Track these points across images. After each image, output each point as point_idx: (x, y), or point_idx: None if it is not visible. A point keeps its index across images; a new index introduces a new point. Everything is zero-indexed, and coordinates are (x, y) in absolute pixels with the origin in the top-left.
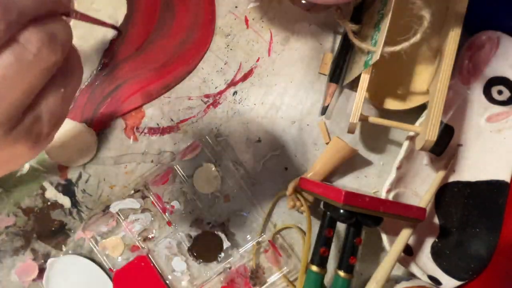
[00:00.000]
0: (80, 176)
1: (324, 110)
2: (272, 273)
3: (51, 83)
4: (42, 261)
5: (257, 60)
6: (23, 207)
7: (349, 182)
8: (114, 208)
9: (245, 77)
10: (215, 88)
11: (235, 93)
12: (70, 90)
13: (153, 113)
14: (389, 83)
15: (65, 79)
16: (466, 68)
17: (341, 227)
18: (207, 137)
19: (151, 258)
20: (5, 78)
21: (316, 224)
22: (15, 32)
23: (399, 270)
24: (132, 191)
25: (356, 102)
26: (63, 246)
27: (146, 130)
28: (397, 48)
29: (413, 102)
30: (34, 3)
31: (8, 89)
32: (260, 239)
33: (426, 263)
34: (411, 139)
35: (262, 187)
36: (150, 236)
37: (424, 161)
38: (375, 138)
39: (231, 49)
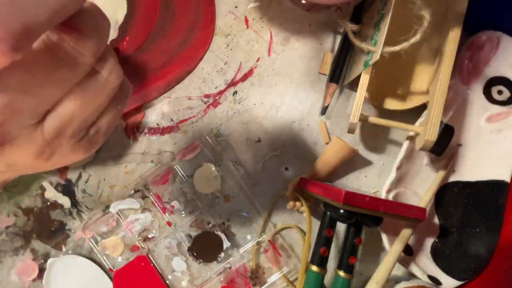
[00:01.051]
0: (80, 176)
1: (324, 110)
2: (272, 273)
3: (111, 101)
4: (42, 261)
5: (257, 60)
6: (23, 207)
7: (349, 182)
8: (114, 208)
9: (245, 77)
10: (215, 88)
11: (235, 93)
12: (123, 105)
13: (153, 113)
14: (389, 83)
15: (120, 97)
16: (466, 68)
17: (341, 227)
18: (207, 137)
19: (151, 258)
20: (83, 100)
21: (316, 224)
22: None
23: (399, 270)
24: (132, 191)
25: (356, 102)
26: (63, 246)
27: (146, 130)
28: (397, 48)
29: (413, 102)
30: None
31: (84, 108)
32: (260, 239)
33: (426, 263)
34: (411, 139)
35: (262, 187)
36: (150, 236)
37: (424, 161)
38: (375, 138)
39: (231, 49)
